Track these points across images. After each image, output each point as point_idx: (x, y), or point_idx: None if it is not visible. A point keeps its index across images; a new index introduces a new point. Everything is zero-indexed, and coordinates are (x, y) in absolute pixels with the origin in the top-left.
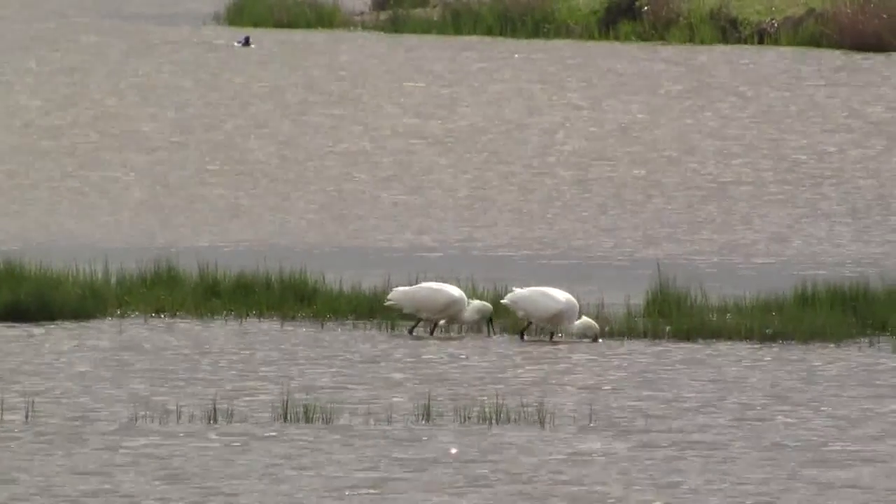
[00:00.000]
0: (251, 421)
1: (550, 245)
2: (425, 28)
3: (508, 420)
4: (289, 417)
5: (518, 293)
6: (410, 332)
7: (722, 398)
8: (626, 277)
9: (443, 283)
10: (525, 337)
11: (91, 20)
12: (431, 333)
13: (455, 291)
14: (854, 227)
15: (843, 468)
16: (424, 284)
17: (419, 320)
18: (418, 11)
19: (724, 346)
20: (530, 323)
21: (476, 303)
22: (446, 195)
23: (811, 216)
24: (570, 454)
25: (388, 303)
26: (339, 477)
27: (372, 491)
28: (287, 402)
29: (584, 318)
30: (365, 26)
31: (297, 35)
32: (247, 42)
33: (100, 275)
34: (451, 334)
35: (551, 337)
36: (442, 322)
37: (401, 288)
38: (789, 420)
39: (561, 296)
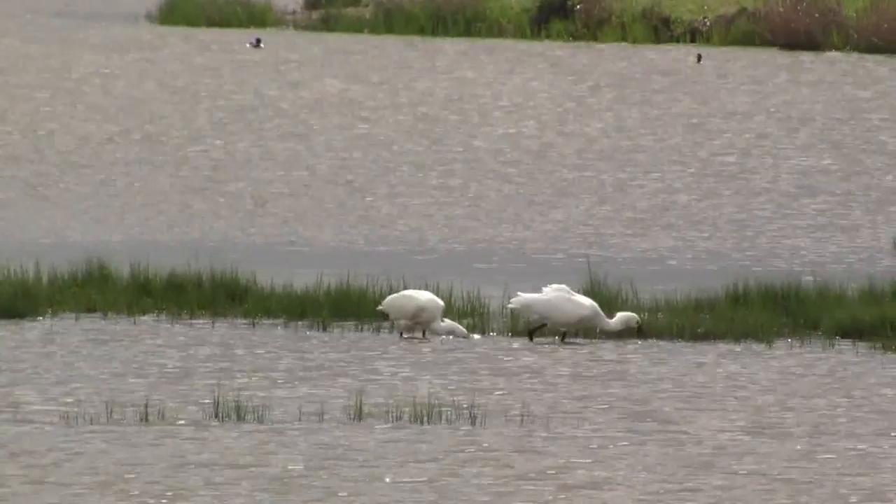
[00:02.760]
0: (183, 420)
1: (481, 242)
2: (357, 27)
3: (440, 419)
4: (220, 416)
5: (529, 297)
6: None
7: (651, 397)
8: (556, 275)
9: (416, 291)
10: (565, 339)
11: (24, 18)
12: (400, 335)
13: (423, 297)
14: (785, 224)
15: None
16: (403, 291)
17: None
18: (350, 10)
19: (655, 345)
20: (544, 325)
21: (449, 324)
22: (377, 193)
23: (742, 214)
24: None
25: (379, 308)
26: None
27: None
28: (218, 400)
29: (625, 314)
30: (297, 25)
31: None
32: (258, 43)
33: (31, 274)
34: (382, 335)
35: (564, 337)
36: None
37: (393, 294)
38: (716, 419)
39: (583, 299)
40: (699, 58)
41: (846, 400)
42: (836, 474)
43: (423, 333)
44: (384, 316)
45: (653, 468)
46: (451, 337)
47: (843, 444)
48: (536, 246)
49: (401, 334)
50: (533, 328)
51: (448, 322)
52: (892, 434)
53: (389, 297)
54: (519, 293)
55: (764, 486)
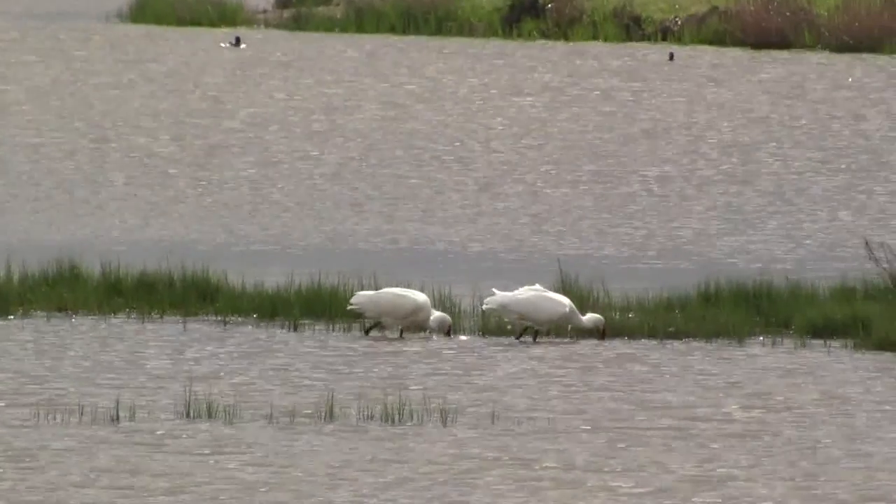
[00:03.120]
0: (154, 419)
1: (450, 241)
2: (328, 26)
3: (411, 418)
4: (191, 415)
5: (506, 297)
6: (366, 333)
7: (624, 397)
8: (527, 275)
9: (406, 289)
10: (532, 338)
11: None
12: (401, 335)
13: (420, 297)
14: (757, 223)
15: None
16: (388, 290)
17: (377, 323)
18: (321, 9)
19: (626, 344)
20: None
21: (438, 314)
22: (345, 193)
23: (713, 214)
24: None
25: (350, 307)
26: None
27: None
28: (189, 399)
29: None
30: (268, 24)
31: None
32: (237, 42)
33: (1, 273)
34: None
35: (523, 333)
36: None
37: (364, 292)
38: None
39: (560, 297)
40: (671, 56)
41: (822, 397)
42: (825, 471)
43: (401, 333)
44: (358, 314)
45: (628, 467)
46: (436, 335)
47: (827, 442)
48: (505, 245)
49: (366, 332)
50: (521, 330)
51: (435, 314)
52: (873, 430)
53: (370, 296)
54: (494, 290)
55: (755, 481)
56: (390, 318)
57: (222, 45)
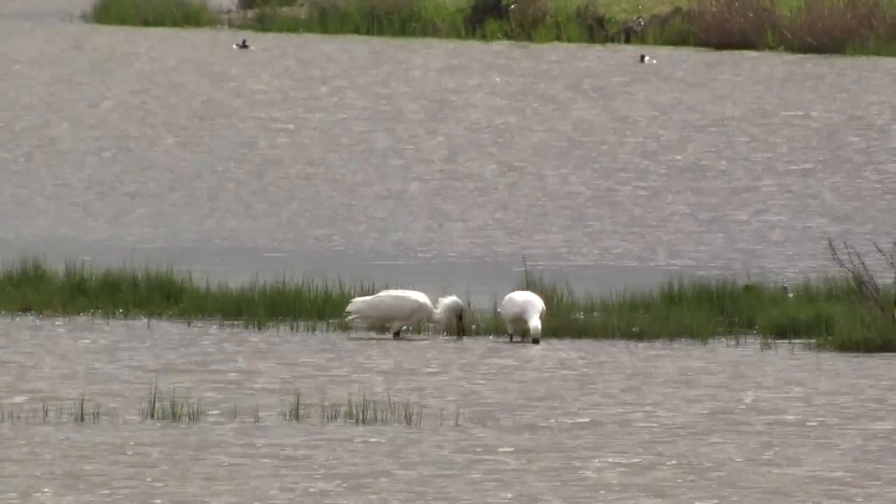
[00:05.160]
0: (118, 419)
1: (413, 243)
2: (292, 27)
3: (376, 419)
4: (156, 415)
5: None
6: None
7: (584, 397)
8: (492, 276)
9: (404, 290)
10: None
11: None
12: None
13: (420, 297)
14: (718, 224)
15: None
16: (385, 293)
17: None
18: (285, 10)
19: (590, 344)
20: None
21: (448, 300)
22: (309, 194)
23: (677, 215)
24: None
25: (349, 315)
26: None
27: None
28: (154, 399)
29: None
30: (232, 24)
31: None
32: (244, 44)
33: None
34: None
35: (511, 338)
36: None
37: (360, 298)
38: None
39: (519, 297)
40: (642, 58)
41: (793, 395)
42: (805, 474)
43: (397, 334)
44: (361, 320)
45: (606, 463)
46: (444, 332)
47: (800, 442)
48: (472, 246)
49: (395, 335)
50: (512, 334)
51: (442, 314)
52: (841, 430)
53: (368, 301)
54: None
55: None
56: (392, 320)
57: (234, 46)
